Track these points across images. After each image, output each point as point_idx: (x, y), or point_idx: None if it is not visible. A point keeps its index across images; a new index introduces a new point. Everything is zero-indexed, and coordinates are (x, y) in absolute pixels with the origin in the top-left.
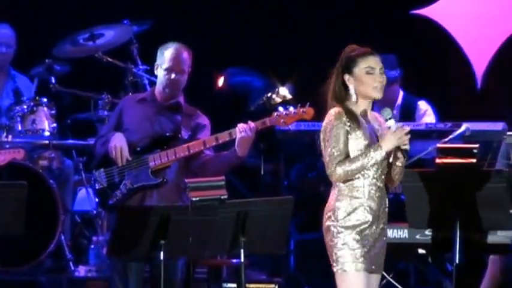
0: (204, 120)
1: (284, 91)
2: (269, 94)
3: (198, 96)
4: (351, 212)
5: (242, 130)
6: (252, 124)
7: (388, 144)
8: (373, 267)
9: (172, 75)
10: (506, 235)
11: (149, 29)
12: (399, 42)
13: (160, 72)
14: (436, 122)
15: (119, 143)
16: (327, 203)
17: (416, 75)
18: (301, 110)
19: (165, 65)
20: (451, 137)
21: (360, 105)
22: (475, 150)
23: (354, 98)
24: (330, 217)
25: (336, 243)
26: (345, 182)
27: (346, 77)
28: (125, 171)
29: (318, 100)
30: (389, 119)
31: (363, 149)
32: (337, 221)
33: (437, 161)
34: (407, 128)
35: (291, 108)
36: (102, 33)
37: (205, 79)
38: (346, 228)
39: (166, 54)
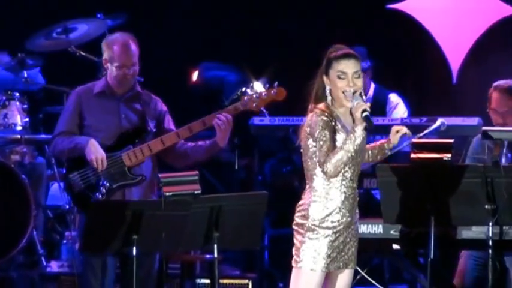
0: (162, 105)
1: (258, 86)
2: (243, 89)
3: (171, 90)
4: (327, 214)
5: (221, 123)
6: (229, 117)
7: (356, 121)
8: (341, 264)
9: (125, 70)
10: (481, 230)
11: (123, 23)
12: (375, 37)
13: (111, 68)
14: (411, 116)
15: (100, 155)
16: (301, 199)
17: (392, 70)
18: (272, 91)
19: (116, 63)
20: (426, 131)
21: (338, 108)
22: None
23: (328, 100)
24: (304, 216)
25: (305, 241)
26: (336, 175)
27: (324, 78)
28: (100, 172)
29: (293, 95)
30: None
31: None
32: (311, 220)
33: (413, 155)
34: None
35: (261, 90)
36: (76, 27)
37: (179, 73)
38: (320, 228)
39: (114, 50)
